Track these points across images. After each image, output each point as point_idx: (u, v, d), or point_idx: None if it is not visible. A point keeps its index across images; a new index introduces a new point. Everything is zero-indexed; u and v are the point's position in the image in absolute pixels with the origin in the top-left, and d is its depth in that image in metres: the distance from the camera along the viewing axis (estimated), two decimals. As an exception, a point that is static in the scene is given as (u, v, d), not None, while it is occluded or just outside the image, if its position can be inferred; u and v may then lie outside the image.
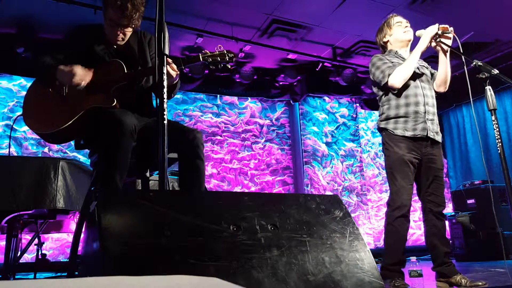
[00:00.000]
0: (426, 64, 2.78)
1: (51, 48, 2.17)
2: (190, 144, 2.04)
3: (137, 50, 2.24)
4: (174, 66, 2.02)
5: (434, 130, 2.55)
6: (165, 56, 1.60)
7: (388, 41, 2.75)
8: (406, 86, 2.55)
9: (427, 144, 2.53)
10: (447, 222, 5.27)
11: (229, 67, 2.20)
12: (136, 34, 2.26)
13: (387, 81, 2.52)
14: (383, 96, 2.64)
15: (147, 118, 2.15)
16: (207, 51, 2.15)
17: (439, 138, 2.60)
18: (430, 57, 5.88)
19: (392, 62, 2.60)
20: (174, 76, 2.03)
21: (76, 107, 2.01)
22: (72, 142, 2.22)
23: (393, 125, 2.55)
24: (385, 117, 2.60)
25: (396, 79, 2.49)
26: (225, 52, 2.16)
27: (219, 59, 2.14)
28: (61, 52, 2.14)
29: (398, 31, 2.70)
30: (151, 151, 2.06)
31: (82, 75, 2.01)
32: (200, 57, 2.12)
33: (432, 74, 2.74)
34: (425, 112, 2.53)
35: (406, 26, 2.70)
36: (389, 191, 2.56)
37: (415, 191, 2.57)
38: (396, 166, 2.49)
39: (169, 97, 2.22)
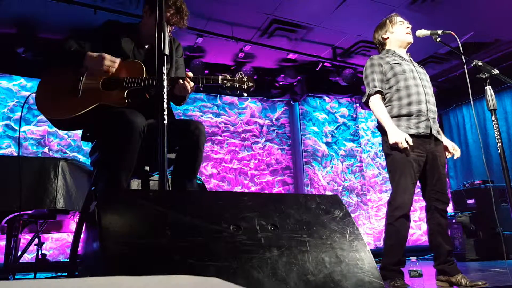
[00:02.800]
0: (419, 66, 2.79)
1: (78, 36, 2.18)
2: (193, 133, 2.06)
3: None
4: (192, 83, 2.06)
5: (436, 129, 2.56)
6: (165, 57, 1.60)
7: (388, 38, 2.75)
8: (407, 86, 2.55)
9: (430, 141, 2.52)
10: (447, 222, 5.30)
11: (245, 95, 2.20)
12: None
13: (367, 100, 2.61)
14: (384, 96, 2.64)
15: (152, 119, 2.15)
16: (228, 75, 2.15)
17: (440, 137, 2.60)
18: (430, 57, 5.90)
19: (390, 63, 2.61)
20: (189, 91, 2.06)
21: (88, 100, 2.03)
22: (73, 142, 2.22)
23: (396, 122, 2.52)
24: None
25: (372, 106, 2.58)
26: (245, 80, 2.15)
27: (237, 86, 2.14)
28: (87, 40, 2.15)
29: (400, 29, 2.70)
30: (152, 151, 2.07)
31: (112, 61, 2.03)
32: (219, 79, 2.12)
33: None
34: (427, 110, 2.53)
35: (408, 27, 2.71)
36: (391, 190, 2.54)
37: (417, 190, 2.56)
38: (399, 164, 2.47)
39: (178, 104, 2.28)
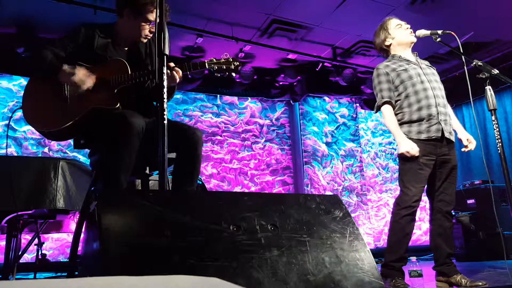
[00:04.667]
0: (429, 64, 2.78)
1: (53, 43, 2.14)
2: (190, 142, 2.05)
3: (144, 53, 2.25)
4: (180, 72, 2.04)
5: (448, 130, 2.55)
6: (165, 57, 1.59)
7: (391, 44, 2.74)
8: (416, 91, 2.55)
9: (442, 144, 2.53)
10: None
11: (234, 75, 2.20)
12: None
13: (379, 109, 2.62)
14: (394, 104, 2.62)
15: (147, 119, 2.15)
16: (213, 59, 2.14)
17: (453, 137, 2.60)
18: (430, 57, 5.90)
19: (396, 70, 2.61)
20: (177, 80, 2.04)
21: (78, 106, 2.01)
22: (72, 142, 2.22)
23: (407, 128, 2.55)
24: (399, 123, 2.59)
25: (383, 115, 2.61)
26: (231, 60, 2.15)
27: (224, 67, 2.14)
28: (63, 47, 2.11)
29: (401, 33, 2.69)
30: (150, 151, 2.07)
31: (84, 78, 2.00)
32: (206, 64, 2.12)
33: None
34: (438, 113, 2.52)
35: (408, 28, 2.70)
36: (399, 190, 2.56)
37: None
38: (410, 169, 2.49)
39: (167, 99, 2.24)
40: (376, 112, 2.70)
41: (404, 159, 2.50)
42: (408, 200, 2.46)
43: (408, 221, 2.45)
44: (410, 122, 2.55)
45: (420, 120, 2.53)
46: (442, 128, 2.51)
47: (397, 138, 2.51)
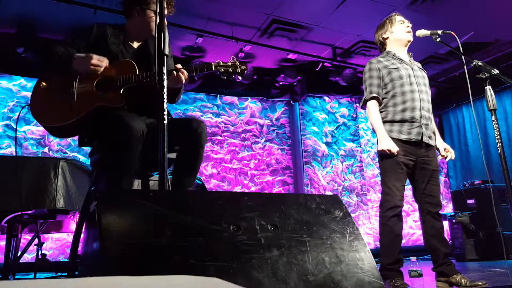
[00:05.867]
0: (421, 66, 2.79)
1: (66, 42, 2.17)
2: (194, 132, 2.05)
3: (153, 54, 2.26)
4: (186, 73, 2.04)
5: (428, 135, 2.58)
6: (165, 57, 1.60)
7: (387, 38, 2.75)
8: (403, 92, 2.57)
9: (420, 147, 2.56)
10: (447, 222, 5.30)
11: (240, 78, 2.21)
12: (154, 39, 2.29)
13: (364, 104, 2.66)
14: (381, 101, 2.64)
15: (151, 119, 2.15)
16: (220, 61, 2.15)
17: (432, 142, 2.62)
18: (430, 57, 5.90)
19: (388, 68, 2.62)
20: (183, 82, 2.05)
21: (84, 104, 2.02)
22: (73, 142, 2.22)
23: (388, 127, 2.58)
24: (382, 121, 2.60)
25: (367, 111, 2.64)
26: (238, 63, 2.16)
27: (231, 70, 2.14)
28: (75, 46, 2.14)
29: (400, 29, 2.71)
30: (152, 151, 2.06)
31: (99, 60, 2.02)
32: (213, 66, 2.12)
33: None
34: (420, 117, 2.56)
35: (408, 26, 2.72)
36: (381, 192, 2.58)
37: (407, 192, 2.58)
38: (390, 168, 2.52)
39: (172, 101, 2.24)
40: (362, 107, 2.72)
41: (383, 156, 2.53)
42: (391, 200, 2.48)
43: (395, 222, 2.46)
44: (393, 121, 2.58)
45: (402, 121, 2.56)
46: (422, 132, 2.54)
47: (378, 135, 2.55)
